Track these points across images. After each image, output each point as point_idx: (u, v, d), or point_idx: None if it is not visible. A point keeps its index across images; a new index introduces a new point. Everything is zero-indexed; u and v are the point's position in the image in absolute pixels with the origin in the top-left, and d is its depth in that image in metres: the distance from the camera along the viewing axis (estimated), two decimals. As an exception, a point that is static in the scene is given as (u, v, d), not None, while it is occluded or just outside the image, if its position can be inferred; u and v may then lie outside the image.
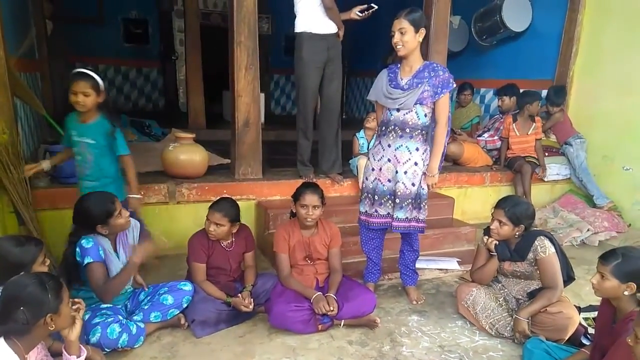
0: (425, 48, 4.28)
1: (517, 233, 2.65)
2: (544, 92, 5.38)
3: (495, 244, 2.71)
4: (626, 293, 2.00)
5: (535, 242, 2.61)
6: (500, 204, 2.69)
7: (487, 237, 2.77)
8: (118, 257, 2.54)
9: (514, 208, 2.63)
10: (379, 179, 2.95)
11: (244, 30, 3.82)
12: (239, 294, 2.77)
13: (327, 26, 3.86)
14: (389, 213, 2.96)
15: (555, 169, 5.19)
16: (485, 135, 5.38)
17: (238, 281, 2.97)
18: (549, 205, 5.08)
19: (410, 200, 2.90)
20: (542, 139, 5.07)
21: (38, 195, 3.33)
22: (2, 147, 3.07)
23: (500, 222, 2.65)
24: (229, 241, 2.91)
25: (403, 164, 2.87)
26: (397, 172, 2.88)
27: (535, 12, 5.80)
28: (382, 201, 2.96)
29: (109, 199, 2.46)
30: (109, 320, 2.38)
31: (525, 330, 2.54)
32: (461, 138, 5.30)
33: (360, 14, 3.92)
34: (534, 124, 4.89)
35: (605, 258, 2.07)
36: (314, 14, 3.81)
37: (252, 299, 2.75)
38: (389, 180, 2.92)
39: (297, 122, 4.11)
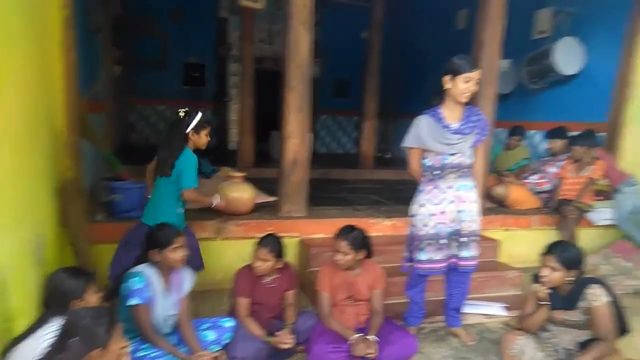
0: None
1: (568, 279, 2.55)
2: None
3: (548, 293, 2.61)
4: None
5: (587, 290, 2.50)
6: (551, 250, 2.59)
7: (538, 285, 2.67)
8: (169, 299, 2.61)
9: (565, 253, 2.54)
10: (442, 223, 2.96)
11: (298, 75, 3.99)
12: (278, 332, 2.79)
13: None
14: (452, 254, 3.01)
15: (606, 213, 4.96)
16: (534, 177, 5.26)
17: (278, 318, 3.00)
18: (601, 251, 4.83)
19: (474, 238, 2.97)
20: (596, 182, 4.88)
21: (96, 228, 3.53)
22: (65, 183, 3.28)
23: (551, 268, 2.55)
24: (272, 277, 2.96)
25: (467, 202, 2.95)
26: (460, 211, 2.93)
27: (587, 57, 5.73)
28: (448, 243, 2.98)
29: (175, 232, 2.59)
30: (153, 354, 2.44)
31: (575, 384, 2.42)
32: (508, 180, 5.21)
33: None
34: (592, 166, 4.74)
35: None
36: None
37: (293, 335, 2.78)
38: (452, 221, 2.96)
39: None
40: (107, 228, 3.61)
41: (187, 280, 2.71)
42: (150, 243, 2.58)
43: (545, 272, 2.58)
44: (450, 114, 2.89)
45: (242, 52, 7.05)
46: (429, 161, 2.97)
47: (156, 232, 2.58)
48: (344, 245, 2.77)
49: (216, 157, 7.57)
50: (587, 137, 4.86)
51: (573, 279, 2.55)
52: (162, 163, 3.05)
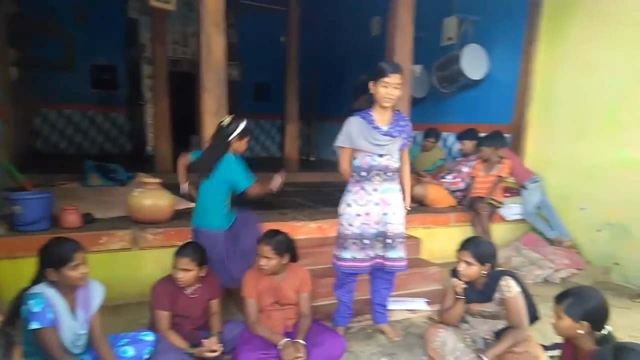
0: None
1: (483, 273, 2.69)
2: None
3: (464, 287, 2.73)
4: (580, 332, 2.04)
5: (500, 281, 2.64)
6: (465, 246, 2.72)
7: (456, 279, 2.78)
8: (76, 317, 2.38)
9: (478, 247, 2.67)
10: (366, 224, 3.00)
11: (213, 78, 3.90)
12: (204, 340, 2.68)
13: None
14: (377, 254, 3.05)
15: (516, 208, 5.35)
16: (449, 177, 5.53)
17: (203, 329, 2.88)
18: (512, 244, 5.20)
19: (400, 240, 3.04)
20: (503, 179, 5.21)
21: (-6, 244, 3.21)
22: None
23: (467, 263, 2.66)
24: (194, 287, 2.84)
25: (392, 205, 3.01)
26: (385, 214, 2.99)
27: (491, 62, 6.14)
28: (372, 243, 3.03)
29: (73, 247, 2.32)
30: None
31: (492, 370, 2.54)
32: (425, 180, 5.43)
33: None
34: (500, 165, 5.07)
35: (559, 298, 2.13)
36: None
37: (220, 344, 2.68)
38: (377, 223, 3.01)
39: None
40: (7, 243, 3.29)
41: (96, 295, 2.47)
42: (44, 261, 2.29)
43: (461, 267, 2.69)
44: (380, 117, 2.98)
45: (155, 54, 6.76)
46: (357, 161, 3.03)
47: (51, 249, 2.29)
48: (267, 250, 2.73)
49: (133, 163, 7.23)
50: (494, 138, 5.19)
51: (487, 272, 2.69)
52: (202, 165, 3.22)
